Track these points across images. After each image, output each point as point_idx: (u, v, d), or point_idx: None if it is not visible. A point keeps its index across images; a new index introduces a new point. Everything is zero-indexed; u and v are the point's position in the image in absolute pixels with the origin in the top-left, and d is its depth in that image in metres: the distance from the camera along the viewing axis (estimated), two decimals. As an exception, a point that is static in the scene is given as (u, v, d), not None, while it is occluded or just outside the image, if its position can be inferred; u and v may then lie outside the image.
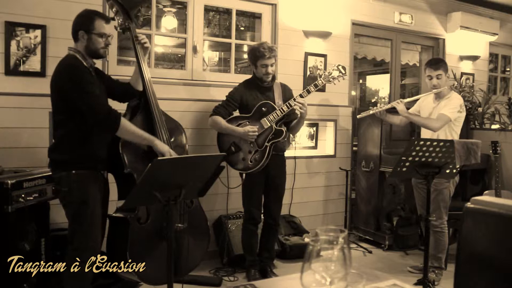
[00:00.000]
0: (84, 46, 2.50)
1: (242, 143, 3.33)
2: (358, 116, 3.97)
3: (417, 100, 3.86)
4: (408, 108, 3.68)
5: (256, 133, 3.29)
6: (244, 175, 3.35)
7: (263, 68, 3.33)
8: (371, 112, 3.77)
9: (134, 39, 2.79)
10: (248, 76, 3.59)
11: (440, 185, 3.48)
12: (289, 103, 3.32)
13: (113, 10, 2.82)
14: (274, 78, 3.49)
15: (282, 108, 3.33)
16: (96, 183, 2.52)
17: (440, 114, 3.49)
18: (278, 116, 3.33)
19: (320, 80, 3.45)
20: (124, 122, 2.49)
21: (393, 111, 3.74)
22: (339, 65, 3.52)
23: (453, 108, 3.49)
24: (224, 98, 3.44)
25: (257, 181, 3.39)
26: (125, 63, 3.94)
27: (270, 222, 3.53)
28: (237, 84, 3.52)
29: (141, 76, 2.79)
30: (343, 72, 3.49)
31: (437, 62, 3.64)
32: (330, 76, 3.47)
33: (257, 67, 3.36)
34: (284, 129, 3.38)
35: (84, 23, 2.49)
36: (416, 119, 3.64)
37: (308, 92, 3.39)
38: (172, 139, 2.89)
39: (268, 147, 3.33)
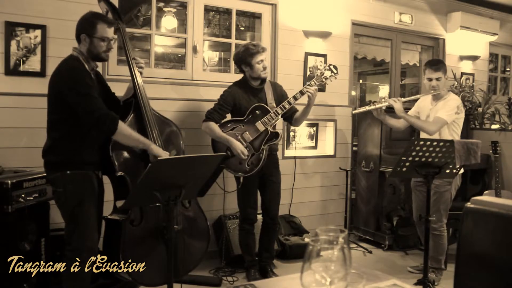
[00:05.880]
0: (87, 49, 2.49)
1: None
2: (353, 112, 3.92)
3: (415, 100, 3.84)
4: (407, 109, 3.66)
5: (248, 157, 3.26)
6: (241, 178, 3.32)
7: (259, 64, 3.30)
8: (367, 108, 3.70)
9: (125, 42, 2.78)
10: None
11: (442, 187, 3.46)
12: (283, 106, 3.30)
13: (104, 10, 2.81)
14: (265, 79, 3.44)
15: (276, 111, 3.30)
16: (91, 184, 2.52)
17: (436, 117, 3.47)
18: (272, 119, 3.30)
19: (313, 81, 3.40)
20: (122, 125, 2.47)
21: (394, 113, 3.71)
22: (330, 64, 3.49)
23: (449, 111, 3.46)
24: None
25: (252, 181, 3.38)
26: (125, 63, 3.92)
27: (269, 221, 3.52)
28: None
29: (132, 78, 2.78)
30: (335, 71, 3.45)
31: (437, 64, 3.59)
32: (322, 77, 3.44)
33: (253, 66, 3.30)
34: (279, 131, 3.38)
35: (86, 26, 2.48)
36: (412, 121, 3.59)
37: (302, 93, 3.33)
38: (168, 145, 2.87)
39: (264, 150, 3.32)
